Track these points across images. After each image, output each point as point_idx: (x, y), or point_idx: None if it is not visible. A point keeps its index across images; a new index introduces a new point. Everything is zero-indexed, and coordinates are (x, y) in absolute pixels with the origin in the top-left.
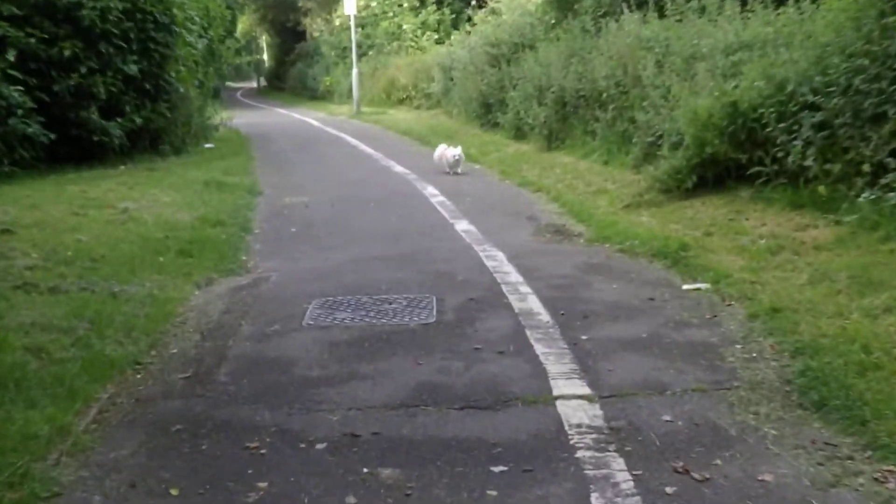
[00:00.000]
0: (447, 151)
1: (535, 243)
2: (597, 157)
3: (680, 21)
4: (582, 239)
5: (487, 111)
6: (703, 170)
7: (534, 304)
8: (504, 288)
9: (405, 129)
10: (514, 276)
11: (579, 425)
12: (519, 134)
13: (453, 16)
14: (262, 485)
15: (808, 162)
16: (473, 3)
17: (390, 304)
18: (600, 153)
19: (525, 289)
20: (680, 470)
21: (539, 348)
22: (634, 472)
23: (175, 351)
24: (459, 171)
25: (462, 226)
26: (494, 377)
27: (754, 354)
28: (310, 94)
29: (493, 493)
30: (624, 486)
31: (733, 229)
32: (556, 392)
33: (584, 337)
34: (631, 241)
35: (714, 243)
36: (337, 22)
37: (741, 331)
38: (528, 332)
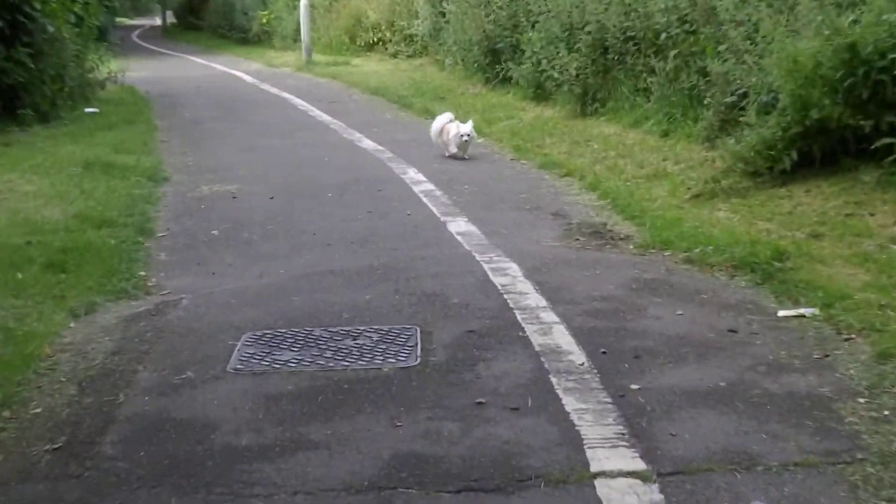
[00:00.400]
0: (451, 126)
1: (564, 250)
2: (652, 126)
3: None
4: (632, 244)
5: (495, 60)
6: (806, 142)
7: (562, 338)
8: (519, 315)
9: (377, 86)
10: (534, 299)
11: None
12: (540, 93)
13: None
14: None
15: None
16: None
17: (354, 339)
18: (657, 120)
19: (549, 316)
20: None
21: (570, 402)
22: None
23: (39, 410)
24: (468, 156)
25: (459, 226)
26: (505, 445)
27: (886, 412)
28: (239, 35)
29: None
30: None
31: (852, 229)
32: (594, 467)
33: (634, 386)
34: (702, 246)
35: (824, 250)
36: None
37: (866, 377)
38: (553, 380)
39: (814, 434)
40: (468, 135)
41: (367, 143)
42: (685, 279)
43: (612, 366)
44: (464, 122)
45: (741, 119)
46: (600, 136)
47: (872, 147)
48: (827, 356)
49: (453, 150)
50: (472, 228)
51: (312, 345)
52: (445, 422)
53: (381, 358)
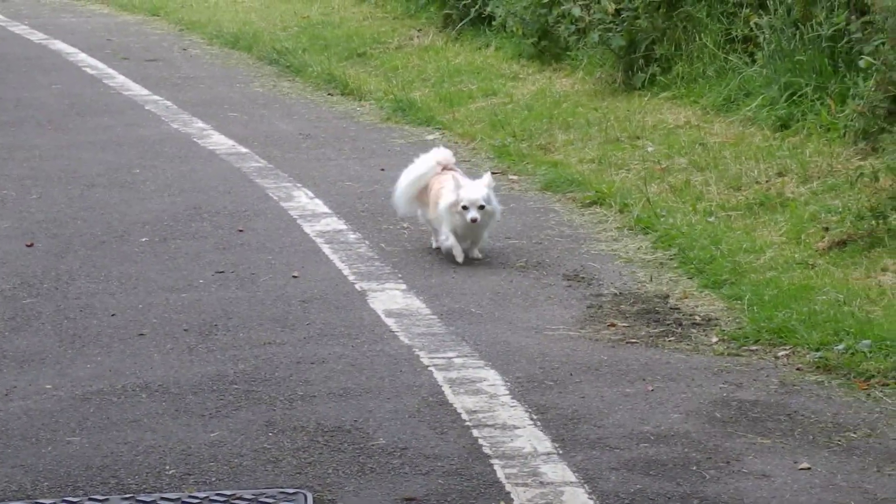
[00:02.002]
0: (442, 184)
1: (589, 347)
2: (760, 111)
3: None
4: (716, 335)
5: None
6: None
7: None
8: (501, 469)
9: (237, 31)
10: (530, 438)
11: None
12: (547, 47)
13: None
14: None
15: None
16: None
17: None
18: (768, 98)
19: (558, 472)
20: None
21: None
22: None
23: None
24: (481, 252)
25: (390, 299)
26: None
27: None
28: None
29: None
30: None
31: None
32: None
33: None
34: (850, 341)
35: None
36: None
37: None
38: None
39: None
40: (479, 205)
41: (218, 141)
42: (816, 402)
43: None
44: (474, 175)
45: None
46: (660, 129)
47: None
48: None
49: (446, 240)
50: (416, 304)
51: None
52: None
53: None
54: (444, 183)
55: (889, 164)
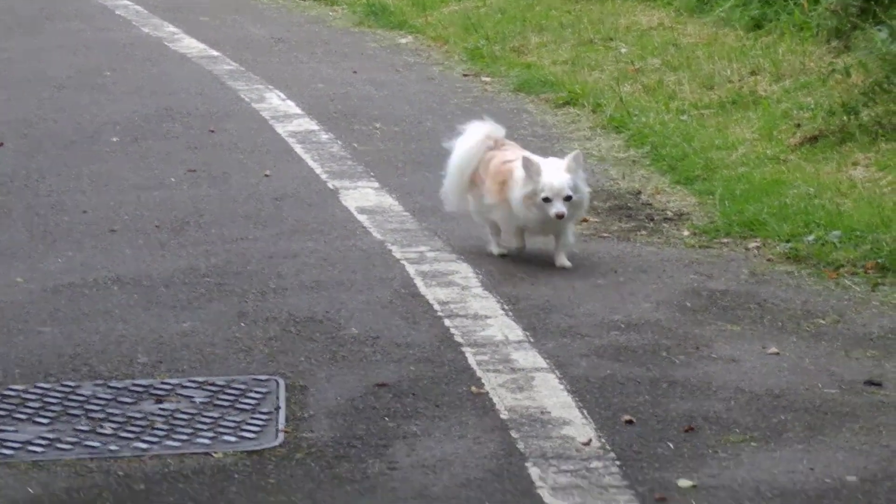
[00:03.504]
0: (504, 160)
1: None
2: (731, 11)
3: None
4: (687, 228)
5: None
6: None
7: (551, 396)
8: (472, 356)
9: None
10: (501, 327)
11: None
12: None
13: None
14: None
15: None
16: None
17: (159, 402)
18: (738, 1)
19: (528, 358)
20: None
21: None
22: None
23: None
24: (566, 262)
25: (362, 197)
26: None
27: None
28: None
29: None
30: None
31: None
32: None
33: (684, 483)
34: (820, 231)
35: None
36: None
37: None
38: (534, 472)
39: None
40: (565, 195)
41: (190, 44)
42: (786, 291)
43: (643, 446)
44: (559, 154)
45: None
46: (633, 31)
47: None
48: None
49: (510, 241)
50: (388, 201)
51: (78, 412)
52: None
53: (210, 435)
54: (512, 161)
55: (861, 61)
